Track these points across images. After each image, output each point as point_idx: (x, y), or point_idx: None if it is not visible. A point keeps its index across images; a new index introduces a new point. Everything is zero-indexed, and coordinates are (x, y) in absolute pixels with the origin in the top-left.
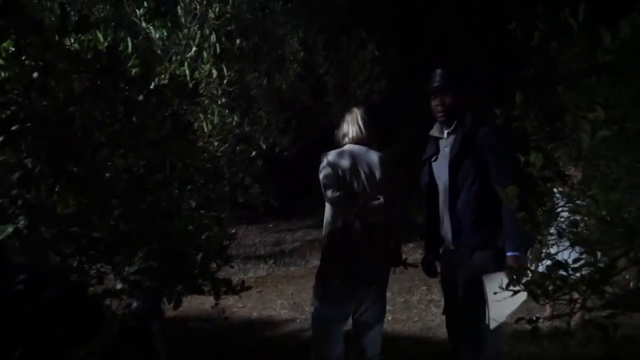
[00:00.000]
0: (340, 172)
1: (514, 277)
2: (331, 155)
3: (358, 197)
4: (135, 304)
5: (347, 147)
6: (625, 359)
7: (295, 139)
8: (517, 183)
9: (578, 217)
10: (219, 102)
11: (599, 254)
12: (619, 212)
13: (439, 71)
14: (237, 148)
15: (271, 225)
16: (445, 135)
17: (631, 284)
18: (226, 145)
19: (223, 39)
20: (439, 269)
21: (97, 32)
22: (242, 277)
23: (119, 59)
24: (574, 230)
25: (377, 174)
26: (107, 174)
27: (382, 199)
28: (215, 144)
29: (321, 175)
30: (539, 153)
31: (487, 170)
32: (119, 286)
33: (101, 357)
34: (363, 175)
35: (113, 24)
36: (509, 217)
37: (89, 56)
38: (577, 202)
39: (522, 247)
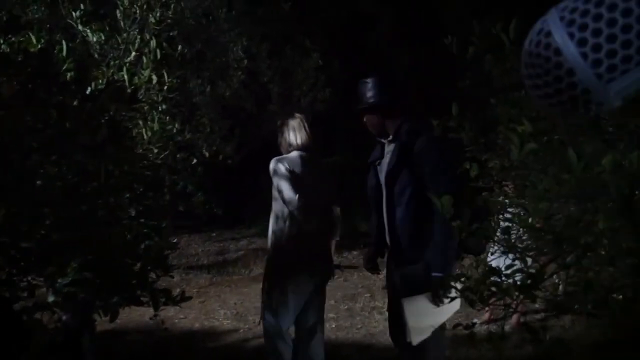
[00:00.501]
0: (295, 179)
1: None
2: (286, 161)
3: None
4: (64, 317)
5: (297, 153)
6: (555, 359)
7: (239, 147)
8: (456, 194)
9: (510, 225)
10: (159, 109)
11: (529, 260)
12: (548, 220)
13: (363, 88)
14: (178, 156)
15: (214, 234)
16: (386, 141)
17: (560, 288)
18: (166, 152)
19: (164, 44)
20: (382, 269)
21: (30, 34)
22: (183, 287)
23: (52, 62)
24: (506, 237)
25: (324, 182)
26: (38, 182)
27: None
28: (155, 151)
29: (279, 181)
30: (474, 163)
31: (424, 184)
32: (51, 299)
33: None
34: (314, 183)
35: (48, 25)
36: (440, 235)
37: (19, 59)
38: (510, 209)
39: (449, 265)
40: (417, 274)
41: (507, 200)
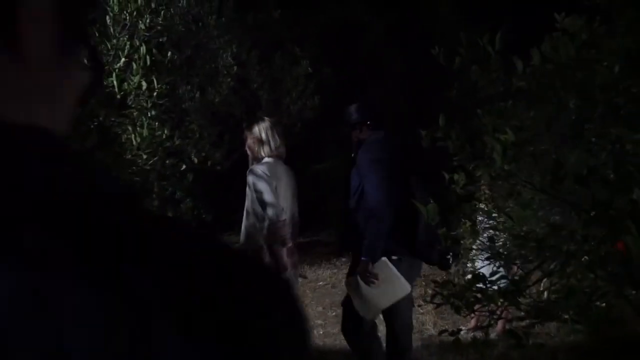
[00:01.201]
0: (275, 188)
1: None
2: (264, 169)
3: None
4: None
5: (272, 160)
6: None
7: (228, 153)
8: (379, 200)
9: (496, 233)
10: (149, 115)
11: (514, 267)
12: (532, 228)
13: (347, 109)
14: (167, 162)
15: None
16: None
17: (545, 295)
18: (155, 158)
19: (154, 50)
20: None
21: None
22: None
23: None
24: (492, 245)
25: (294, 188)
26: None
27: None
28: (144, 157)
29: (257, 181)
30: (462, 172)
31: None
32: None
33: None
34: (290, 192)
35: None
36: (370, 229)
37: None
38: (494, 215)
39: (372, 253)
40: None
41: (493, 209)
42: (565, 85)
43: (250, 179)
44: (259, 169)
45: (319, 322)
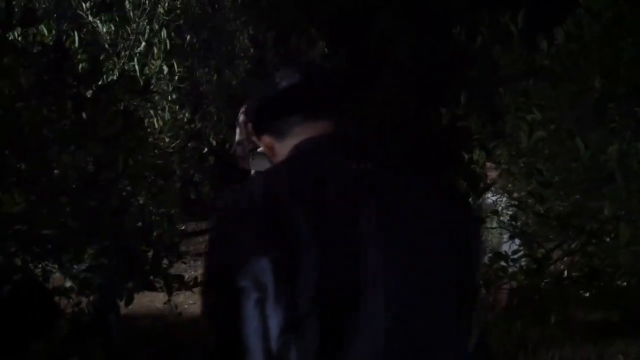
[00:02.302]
0: None
1: None
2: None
3: None
4: (92, 299)
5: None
6: (558, 340)
7: None
8: None
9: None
10: (169, 98)
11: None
12: (554, 207)
13: None
14: (189, 144)
15: None
16: None
17: (565, 274)
18: (177, 141)
19: (173, 34)
20: None
21: (42, 25)
22: (192, 274)
23: (67, 53)
24: (514, 223)
25: None
26: (55, 171)
27: None
28: (167, 140)
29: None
30: (482, 151)
31: None
32: (68, 284)
33: (59, 352)
34: None
35: (55, 16)
36: None
37: (34, 51)
38: (515, 195)
39: None
40: None
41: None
42: (590, 64)
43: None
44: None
45: None
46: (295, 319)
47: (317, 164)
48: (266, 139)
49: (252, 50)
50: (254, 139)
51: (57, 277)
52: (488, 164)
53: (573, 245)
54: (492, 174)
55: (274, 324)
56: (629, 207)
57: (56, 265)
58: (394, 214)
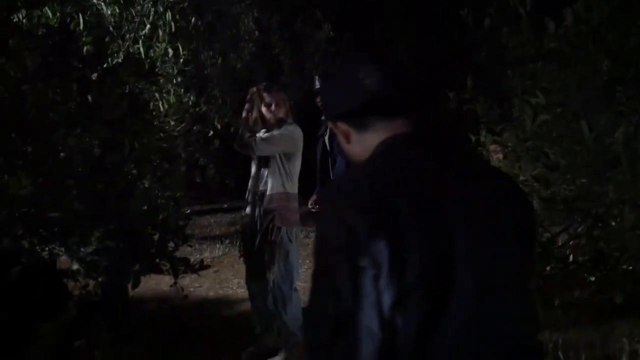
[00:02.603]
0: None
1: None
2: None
3: None
4: (101, 280)
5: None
6: (562, 324)
7: None
8: None
9: None
10: (174, 82)
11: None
12: (559, 190)
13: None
14: (195, 128)
15: (226, 205)
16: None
17: (570, 258)
18: (183, 124)
19: (177, 16)
20: None
21: (47, 8)
22: (197, 257)
23: (72, 36)
24: None
25: None
26: (61, 154)
27: None
28: (172, 123)
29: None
30: (489, 134)
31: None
32: (75, 267)
33: (67, 333)
34: None
35: None
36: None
37: (39, 33)
38: (521, 178)
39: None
40: None
41: (516, 170)
42: (598, 47)
43: (290, 129)
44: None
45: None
46: (403, 292)
47: (410, 160)
48: (343, 126)
49: (257, 33)
50: (336, 127)
51: (63, 260)
52: (492, 147)
53: (579, 229)
54: (497, 156)
55: (387, 297)
56: (634, 191)
57: (63, 249)
58: (475, 201)
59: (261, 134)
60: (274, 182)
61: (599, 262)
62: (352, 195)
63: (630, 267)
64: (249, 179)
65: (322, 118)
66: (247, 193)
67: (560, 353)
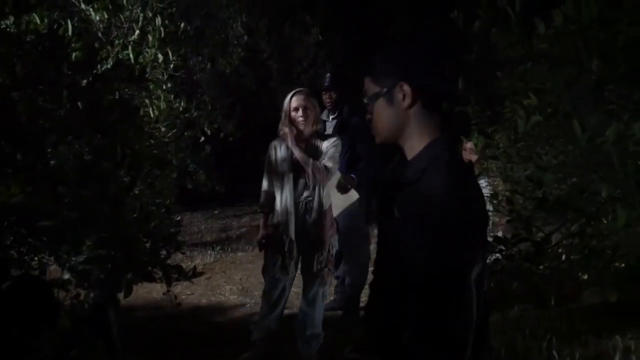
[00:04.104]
0: None
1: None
2: None
3: None
4: (92, 293)
5: None
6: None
7: (240, 124)
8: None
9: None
10: (164, 87)
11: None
12: (552, 190)
13: (328, 74)
14: (185, 134)
15: (216, 212)
16: (330, 119)
17: (564, 257)
18: (174, 130)
19: (167, 22)
20: None
21: (34, 14)
22: (189, 264)
23: (62, 42)
24: (510, 207)
25: None
26: (52, 161)
27: None
28: (163, 129)
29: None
30: (480, 135)
31: (354, 146)
32: (66, 276)
33: (57, 347)
34: None
35: (45, 4)
36: (363, 166)
37: (28, 39)
38: (510, 174)
39: (358, 177)
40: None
41: (509, 170)
42: (587, 47)
43: (339, 145)
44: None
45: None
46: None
47: (469, 179)
48: (407, 90)
49: (245, 38)
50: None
51: (53, 270)
52: (469, 145)
53: (572, 228)
54: (471, 157)
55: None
56: (626, 189)
57: (52, 258)
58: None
59: (325, 159)
60: (323, 194)
61: (592, 260)
62: (463, 209)
63: (624, 265)
64: (283, 189)
65: (322, 117)
66: (282, 201)
67: (554, 351)
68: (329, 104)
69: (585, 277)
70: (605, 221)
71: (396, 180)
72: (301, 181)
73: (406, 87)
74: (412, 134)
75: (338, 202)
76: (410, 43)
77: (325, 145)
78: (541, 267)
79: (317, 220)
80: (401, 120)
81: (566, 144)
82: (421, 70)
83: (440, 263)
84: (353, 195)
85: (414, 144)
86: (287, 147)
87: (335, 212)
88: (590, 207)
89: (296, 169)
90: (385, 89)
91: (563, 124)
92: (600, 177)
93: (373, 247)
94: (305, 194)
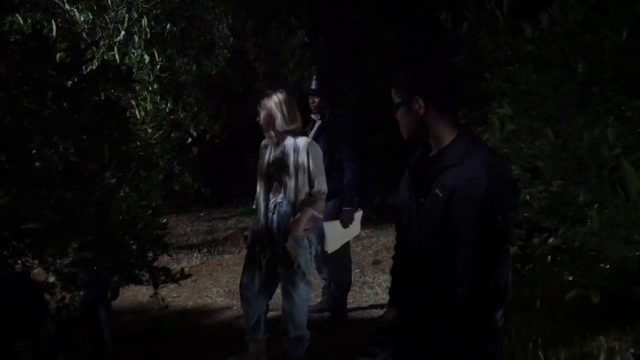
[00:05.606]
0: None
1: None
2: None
3: None
4: (82, 293)
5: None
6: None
7: (226, 125)
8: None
9: None
10: (150, 88)
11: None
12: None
13: (313, 77)
14: (172, 135)
15: (202, 214)
16: (316, 119)
17: (549, 258)
18: (160, 132)
19: (152, 23)
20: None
21: (17, 14)
22: (175, 266)
23: (47, 42)
24: None
25: None
26: (37, 163)
27: None
28: (149, 131)
29: (318, 166)
30: None
31: (337, 149)
32: (51, 279)
33: (47, 348)
34: None
35: (27, 5)
36: (348, 180)
37: (12, 39)
38: None
39: (353, 204)
40: (332, 207)
41: None
42: (573, 49)
43: (313, 150)
44: (317, 147)
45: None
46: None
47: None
48: (420, 103)
49: (231, 39)
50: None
51: (37, 273)
52: None
53: (559, 232)
54: None
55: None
56: (601, 194)
57: (36, 261)
58: None
59: (315, 184)
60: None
61: (576, 262)
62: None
63: (607, 266)
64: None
65: (313, 116)
66: (258, 202)
67: (539, 352)
68: (313, 108)
69: (570, 278)
70: (587, 224)
71: (432, 167)
72: (275, 184)
73: (420, 101)
74: (435, 134)
75: (336, 237)
76: (421, 60)
77: (300, 144)
78: (527, 267)
79: (287, 222)
80: (420, 125)
81: (547, 148)
82: (432, 85)
83: (492, 223)
84: (354, 229)
85: (440, 141)
86: (267, 150)
87: (332, 248)
88: (570, 211)
89: (270, 172)
90: (404, 100)
91: (539, 131)
92: (575, 183)
93: (360, 248)
94: (278, 196)
